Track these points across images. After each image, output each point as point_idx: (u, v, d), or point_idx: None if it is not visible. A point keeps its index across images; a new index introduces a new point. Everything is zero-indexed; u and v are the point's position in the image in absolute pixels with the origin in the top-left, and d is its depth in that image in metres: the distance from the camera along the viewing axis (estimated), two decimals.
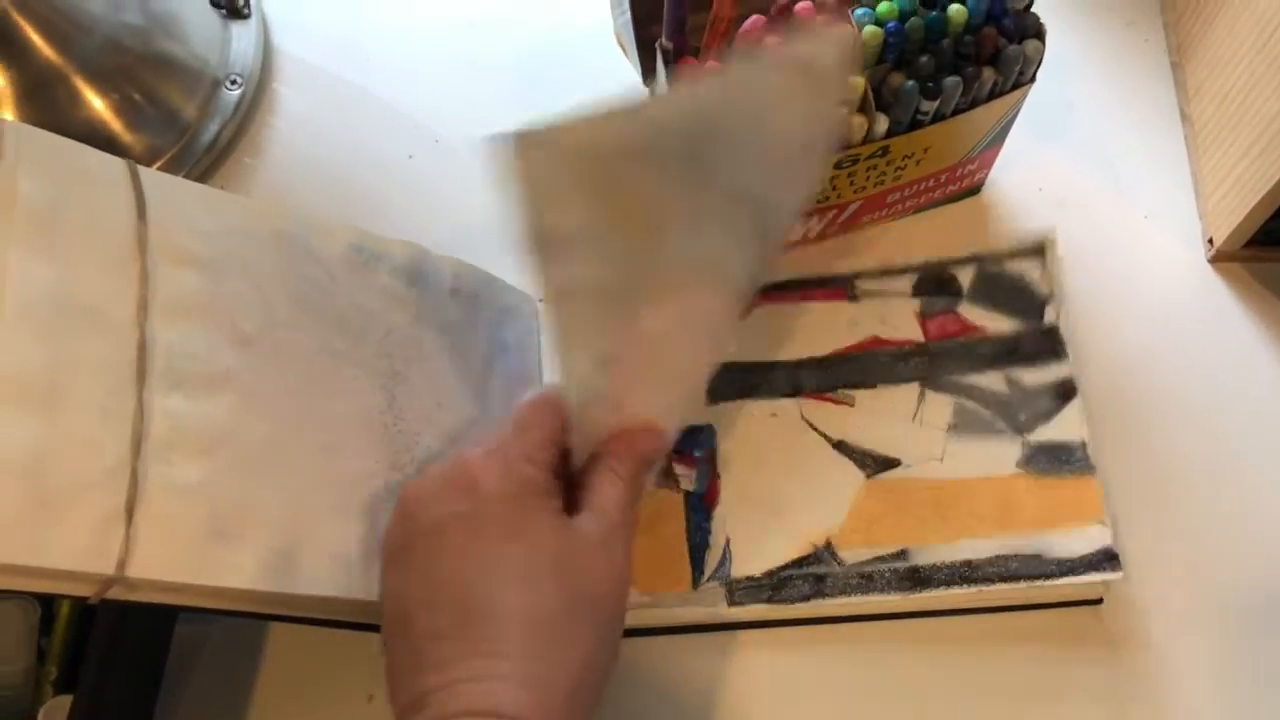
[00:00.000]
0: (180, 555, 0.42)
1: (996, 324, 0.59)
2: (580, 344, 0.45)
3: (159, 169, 0.62)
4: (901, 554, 0.54)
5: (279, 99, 0.68)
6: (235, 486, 0.44)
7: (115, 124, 0.62)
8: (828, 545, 0.55)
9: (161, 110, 0.64)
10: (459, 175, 0.66)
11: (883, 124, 0.53)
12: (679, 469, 0.57)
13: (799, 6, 0.51)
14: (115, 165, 0.46)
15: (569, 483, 0.45)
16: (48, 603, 0.47)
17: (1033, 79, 0.55)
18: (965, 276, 0.60)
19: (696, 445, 0.57)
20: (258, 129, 0.67)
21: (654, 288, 0.45)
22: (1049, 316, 0.59)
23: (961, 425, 0.57)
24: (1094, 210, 0.64)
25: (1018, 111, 0.58)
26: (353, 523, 0.47)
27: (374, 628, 0.48)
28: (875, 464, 0.56)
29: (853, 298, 0.60)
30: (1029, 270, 0.60)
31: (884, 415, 0.57)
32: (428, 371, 0.53)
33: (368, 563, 0.47)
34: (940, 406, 0.57)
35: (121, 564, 0.40)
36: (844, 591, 0.53)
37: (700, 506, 0.56)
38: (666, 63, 0.51)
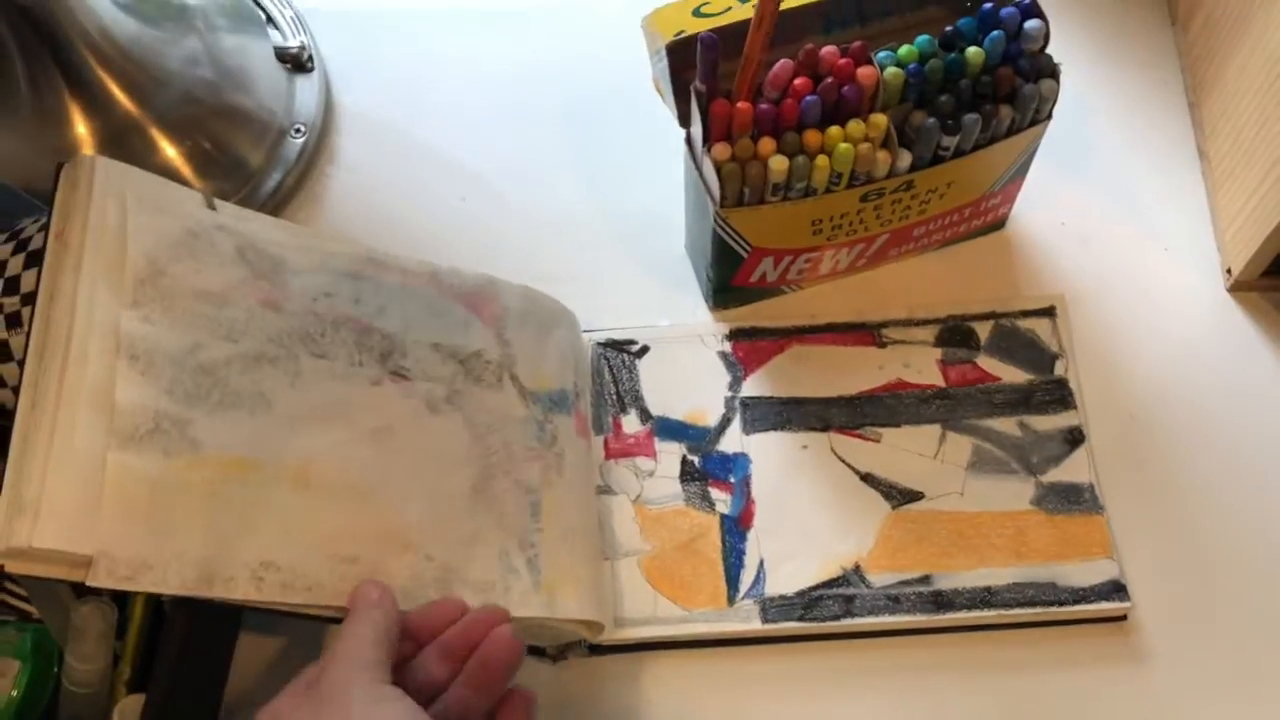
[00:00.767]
0: None
1: (1011, 375, 0.62)
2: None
3: None
4: (925, 579, 0.57)
5: (338, 149, 0.72)
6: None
7: (185, 170, 0.66)
8: (856, 569, 0.57)
9: (230, 158, 0.68)
10: (508, 216, 0.69)
11: (905, 159, 0.56)
12: (716, 493, 0.59)
13: (824, 51, 0.54)
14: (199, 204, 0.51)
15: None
16: (122, 606, 0.50)
17: (1049, 116, 0.58)
18: (983, 331, 0.64)
19: (733, 472, 0.60)
20: (317, 177, 0.71)
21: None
22: (1058, 370, 0.62)
23: (979, 464, 0.60)
24: (1115, 243, 0.67)
25: (1036, 147, 0.60)
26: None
27: None
28: (900, 496, 0.59)
29: (880, 344, 0.63)
30: (1040, 327, 0.64)
31: (908, 452, 0.60)
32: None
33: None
34: (960, 446, 0.60)
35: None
36: (872, 612, 0.56)
37: (735, 529, 0.58)
38: (700, 105, 0.54)
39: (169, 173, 0.65)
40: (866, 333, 0.64)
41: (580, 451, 0.58)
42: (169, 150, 0.66)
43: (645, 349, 0.63)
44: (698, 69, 0.53)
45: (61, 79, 0.63)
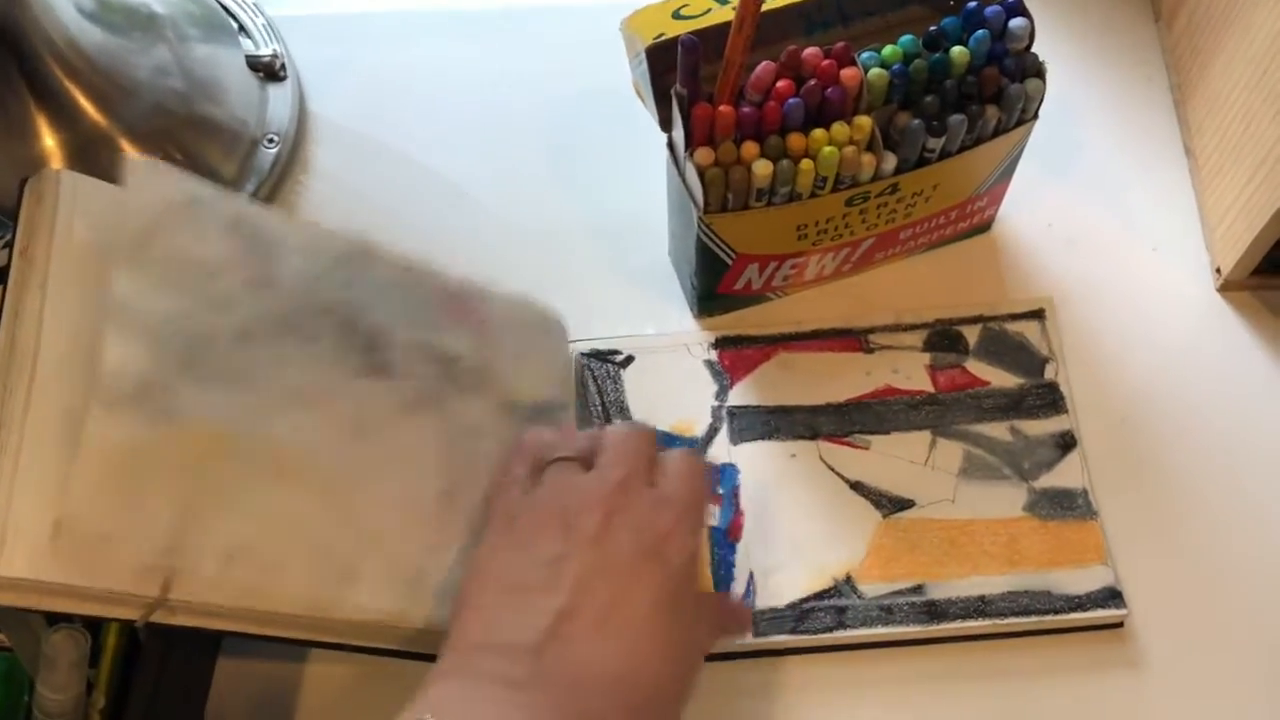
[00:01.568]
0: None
1: (1001, 379, 0.62)
2: None
3: None
4: (918, 588, 0.56)
5: (312, 158, 0.70)
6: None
7: None
8: (848, 579, 0.56)
9: (201, 169, 0.66)
10: (486, 225, 0.68)
11: (891, 162, 0.55)
12: None
13: (807, 52, 0.53)
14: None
15: None
16: (96, 633, 0.49)
17: (1035, 116, 0.57)
18: (972, 335, 0.63)
19: (720, 483, 0.59)
20: (292, 187, 0.69)
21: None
22: (1049, 373, 0.61)
23: (970, 470, 0.59)
24: (1102, 244, 0.66)
25: (1023, 148, 0.60)
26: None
27: (416, 656, 0.50)
28: (890, 504, 0.58)
29: (867, 350, 0.62)
30: (1029, 330, 0.63)
31: (898, 459, 0.60)
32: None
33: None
34: (950, 452, 0.60)
35: (166, 585, 0.42)
36: (865, 623, 0.55)
37: (724, 541, 0.57)
38: (682, 109, 0.53)
39: None
40: (853, 339, 0.63)
41: None
42: None
43: (630, 359, 0.62)
44: (678, 72, 0.52)
45: (27, 90, 0.61)
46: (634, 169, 0.67)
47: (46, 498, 0.41)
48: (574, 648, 0.42)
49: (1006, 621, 0.55)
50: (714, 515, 0.58)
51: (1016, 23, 0.54)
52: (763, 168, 0.53)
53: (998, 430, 0.60)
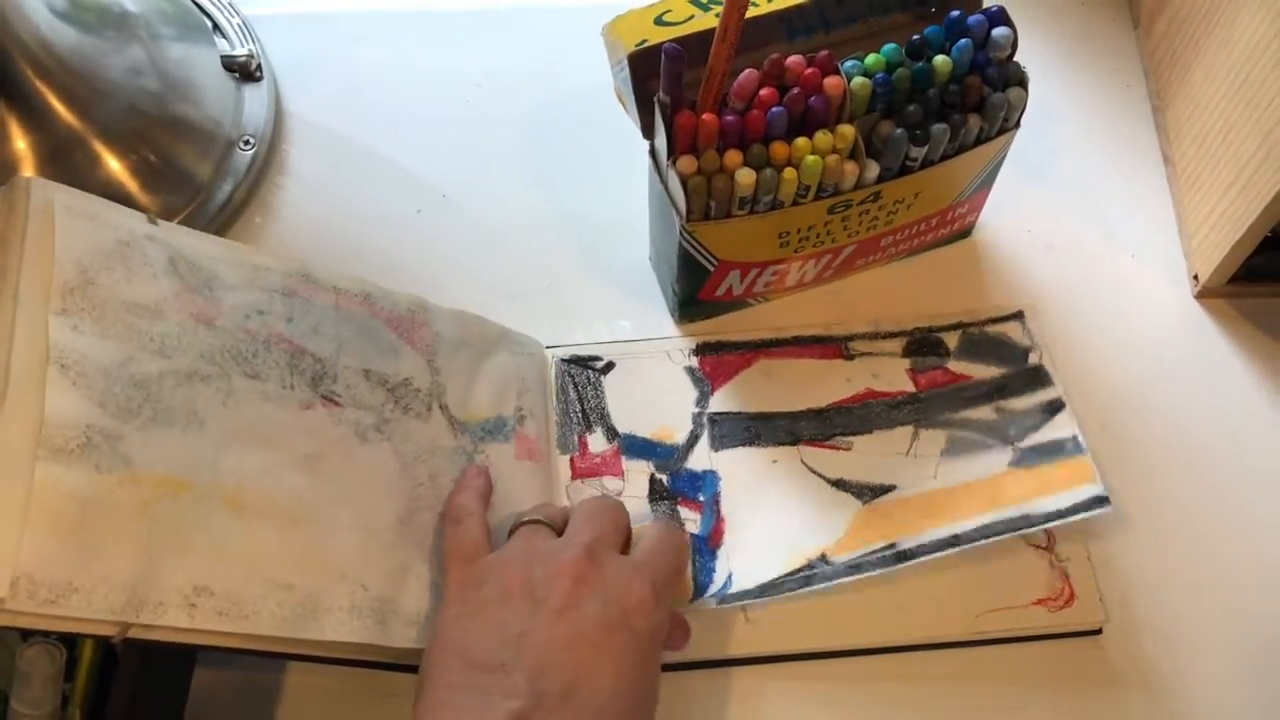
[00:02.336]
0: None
1: (984, 372, 0.62)
2: None
3: None
4: (890, 545, 0.56)
5: (289, 159, 0.70)
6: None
7: (131, 184, 0.64)
8: (822, 557, 0.56)
9: (177, 171, 0.65)
10: (466, 229, 0.68)
11: (873, 170, 0.55)
12: (685, 512, 0.58)
13: (790, 60, 0.53)
14: (137, 220, 0.49)
15: None
16: (71, 646, 0.48)
17: (1017, 124, 0.57)
18: (951, 340, 0.63)
19: (702, 490, 0.59)
20: (269, 188, 0.69)
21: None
22: (1032, 359, 0.61)
23: (953, 449, 0.59)
24: (1081, 251, 0.66)
25: (1004, 156, 0.60)
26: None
27: (394, 667, 0.49)
28: (872, 492, 0.58)
29: (848, 357, 0.62)
30: (1011, 330, 0.63)
31: (880, 455, 0.59)
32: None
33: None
34: (933, 439, 0.60)
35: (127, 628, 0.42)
36: (831, 578, 0.55)
37: (705, 548, 0.57)
38: (664, 117, 0.53)
39: (114, 187, 0.63)
40: (834, 345, 0.63)
41: (523, 476, 0.57)
42: (113, 164, 0.64)
43: (610, 365, 0.62)
44: (662, 80, 0.52)
45: None
46: (614, 172, 0.67)
47: (18, 514, 0.40)
48: None
49: (976, 546, 0.54)
50: (695, 522, 0.58)
51: (999, 32, 0.54)
52: (746, 176, 0.53)
53: (983, 413, 0.60)
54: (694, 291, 0.61)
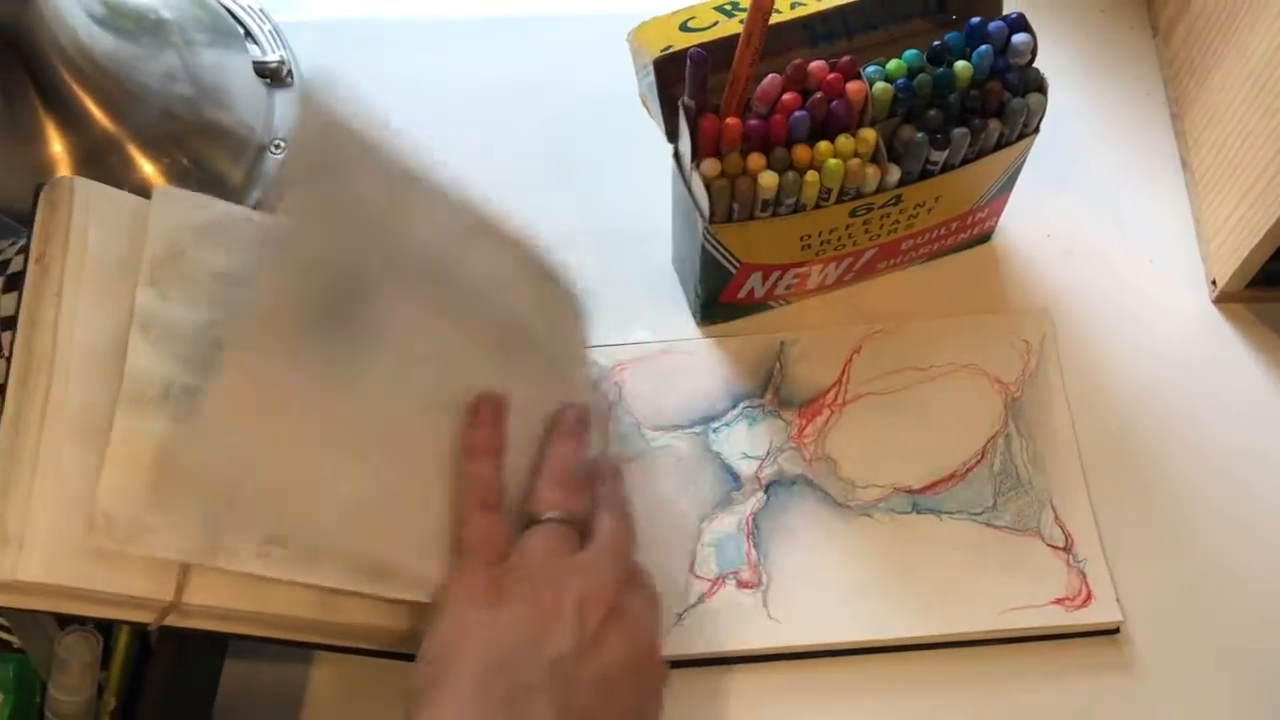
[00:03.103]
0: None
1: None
2: None
3: None
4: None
5: None
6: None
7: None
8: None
9: (209, 175, 0.67)
10: None
11: (895, 174, 0.56)
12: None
13: (813, 66, 0.54)
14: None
15: None
16: (107, 635, 0.49)
17: (1036, 129, 0.58)
18: None
19: None
20: None
21: None
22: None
23: None
24: (1100, 255, 0.67)
25: (1024, 161, 0.60)
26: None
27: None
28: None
29: None
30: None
31: None
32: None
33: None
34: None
35: (180, 589, 0.43)
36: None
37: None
38: (689, 120, 0.53)
39: (147, 190, 0.63)
40: None
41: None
42: (147, 167, 0.65)
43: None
44: (686, 85, 0.53)
45: (36, 95, 0.61)
46: (637, 176, 0.67)
47: (64, 503, 0.41)
48: None
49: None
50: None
51: (1019, 38, 0.55)
52: (769, 179, 0.53)
53: None
54: (716, 293, 0.62)
